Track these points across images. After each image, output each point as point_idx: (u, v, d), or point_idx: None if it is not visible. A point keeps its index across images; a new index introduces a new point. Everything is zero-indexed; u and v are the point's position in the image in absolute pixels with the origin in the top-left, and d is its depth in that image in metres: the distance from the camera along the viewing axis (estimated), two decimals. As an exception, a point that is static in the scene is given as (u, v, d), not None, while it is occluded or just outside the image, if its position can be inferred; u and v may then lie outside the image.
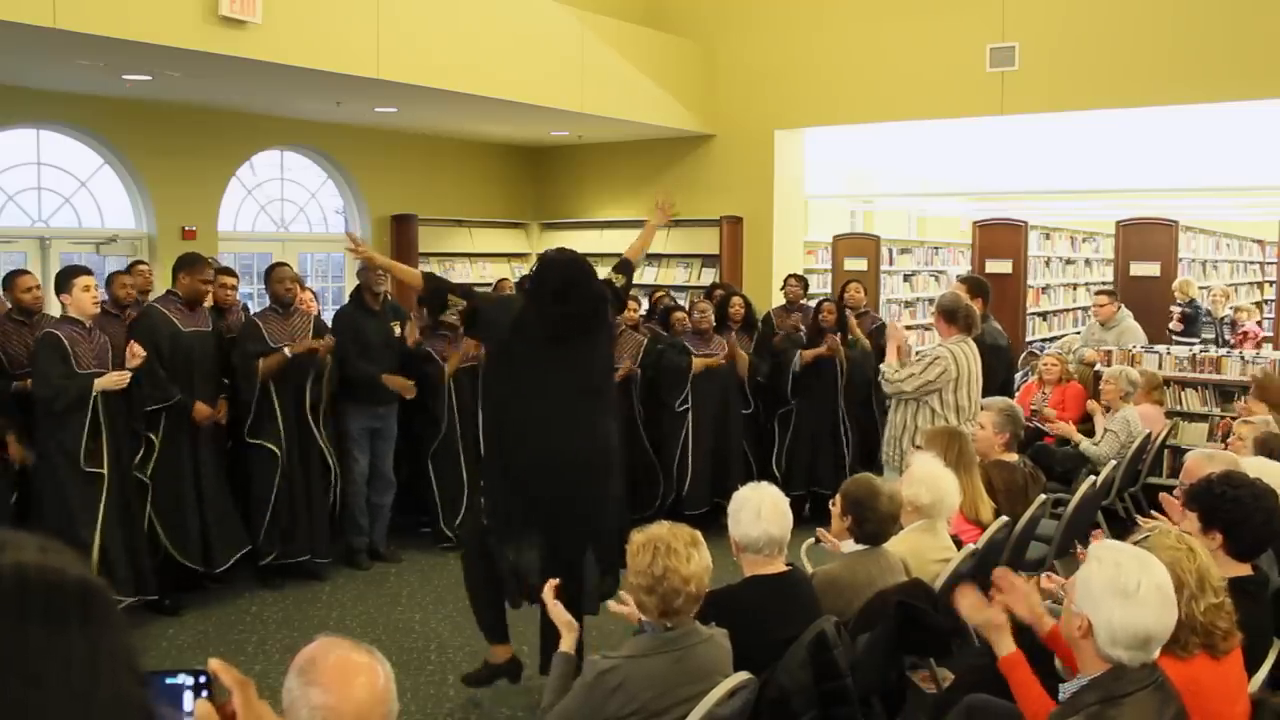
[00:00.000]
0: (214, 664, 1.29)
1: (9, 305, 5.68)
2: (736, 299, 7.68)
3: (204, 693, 1.25)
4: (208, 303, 5.94)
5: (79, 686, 0.88)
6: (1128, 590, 2.28)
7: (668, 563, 2.75)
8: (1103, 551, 2.39)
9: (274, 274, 6.09)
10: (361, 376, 6.23)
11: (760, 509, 3.25)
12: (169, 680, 1.25)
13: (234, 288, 6.35)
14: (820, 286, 10.75)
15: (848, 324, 7.55)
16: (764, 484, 3.39)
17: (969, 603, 2.97)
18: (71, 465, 5.09)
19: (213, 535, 5.73)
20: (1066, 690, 2.42)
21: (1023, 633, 2.94)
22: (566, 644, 3.06)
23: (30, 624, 0.87)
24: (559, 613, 3.12)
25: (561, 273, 4.29)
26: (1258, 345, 9.94)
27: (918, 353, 5.99)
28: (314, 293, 6.87)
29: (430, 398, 6.58)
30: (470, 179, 11.77)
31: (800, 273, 8.59)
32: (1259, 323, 12.75)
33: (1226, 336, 10.45)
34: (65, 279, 5.30)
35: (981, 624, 2.92)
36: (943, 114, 9.64)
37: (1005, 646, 2.82)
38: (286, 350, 5.84)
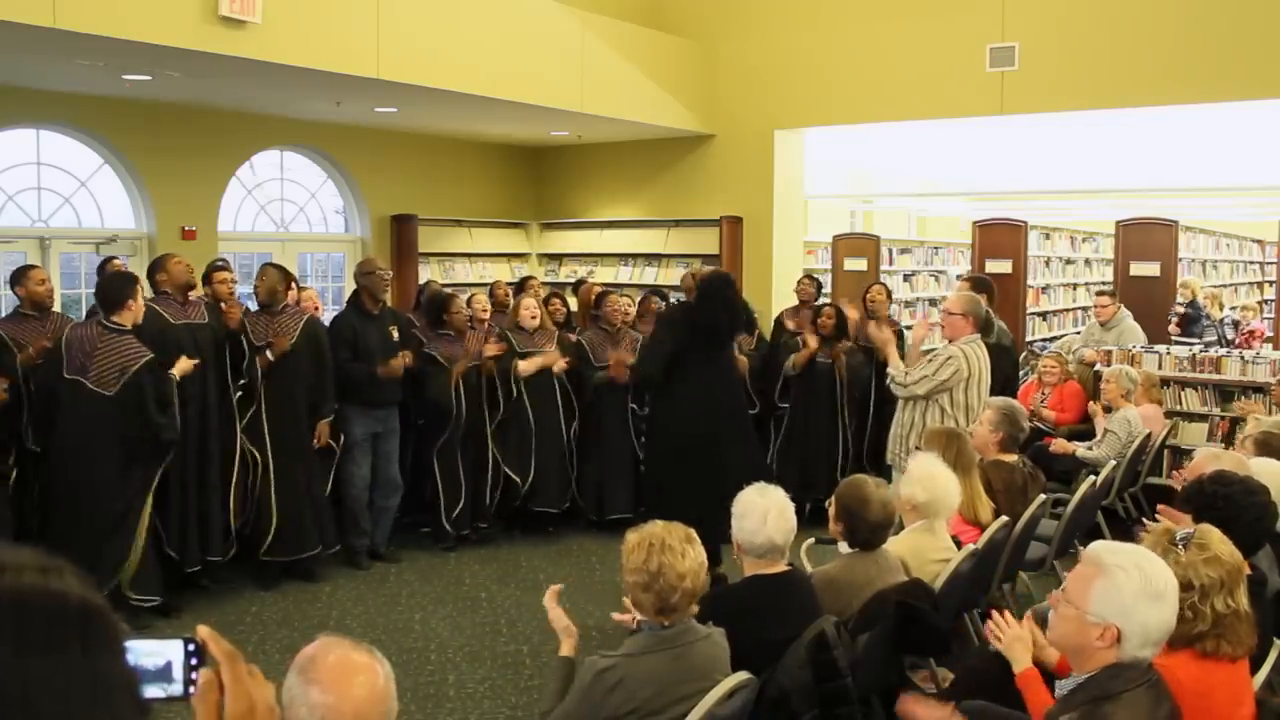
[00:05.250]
0: (203, 632, 1.27)
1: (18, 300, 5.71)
2: (735, 300, 7.69)
3: (193, 660, 1.24)
4: (195, 295, 5.88)
5: (77, 717, 0.86)
6: (1159, 593, 2.29)
7: (663, 559, 2.75)
8: (1118, 558, 2.35)
9: (260, 273, 6.19)
10: (357, 376, 6.23)
11: (766, 515, 3.24)
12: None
13: (229, 282, 6.31)
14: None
15: (855, 333, 7.51)
16: (770, 488, 3.38)
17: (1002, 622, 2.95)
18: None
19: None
20: (1063, 687, 2.42)
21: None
22: (566, 648, 3.05)
23: (30, 653, 0.84)
24: (558, 617, 3.09)
25: (723, 285, 5.94)
26: (1262, 343, 9.92)
27: (925, 352, 5.99)
28: (298, 285, 6.86)
29: (433, 396, 6.58)
30: (470, 179, 11.77)
31: (811, 273, 8.63)
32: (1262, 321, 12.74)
33: (1229, 336, 10.44)
34: (130, 285, 5.32)
35: (1008, 642, 2.88)
36: (943, 114, 9.64)
37: (1022, 663, 2.79)
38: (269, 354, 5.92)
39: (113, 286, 5.34)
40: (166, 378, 5.27)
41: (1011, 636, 2.86)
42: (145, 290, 5.64)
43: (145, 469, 5.27)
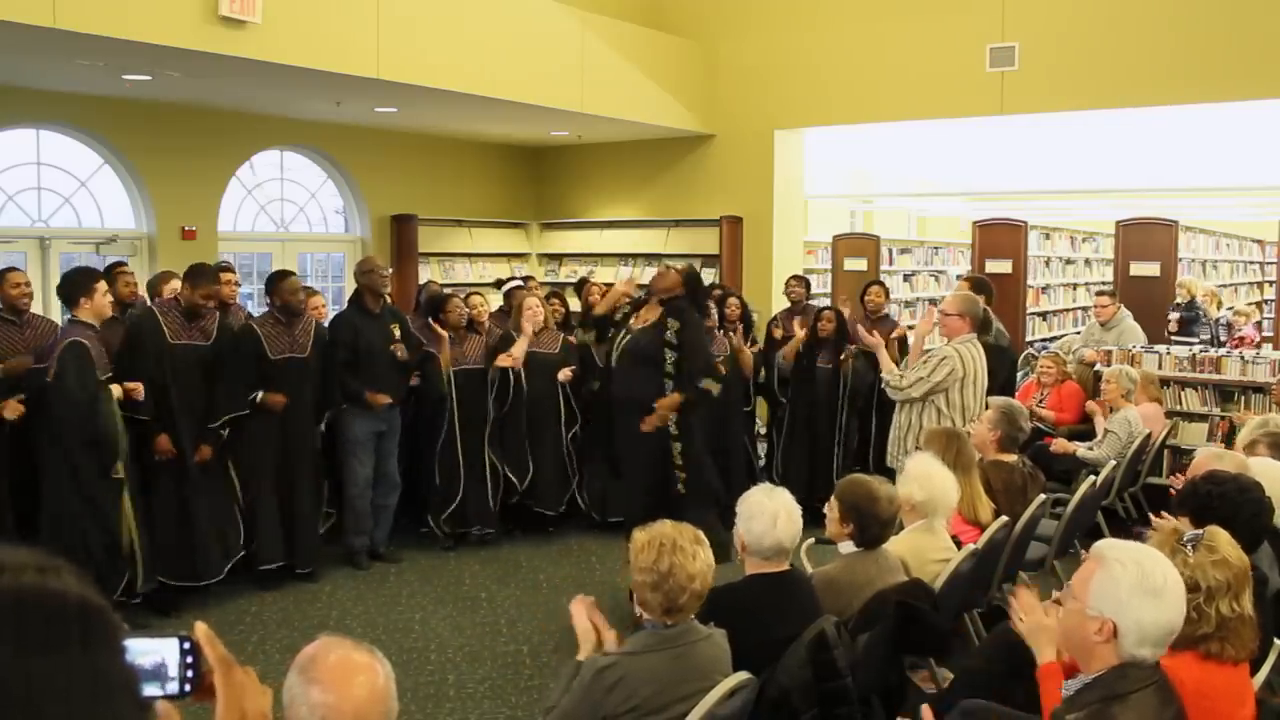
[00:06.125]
0: (200, 631, 1.26)
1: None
2: (733, 299, 7.72)
3: (189, 659, 1.24)
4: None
5: (78, 716, 0.85)
6: (1156, 589, 2.27)
7: (674, 559, 2.74)
8: (1117, 552, 2.35)
9: (283, 285, 6.05)
10: (349, 390, 6.22)
11: (776, 518, 3.23)
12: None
13: (236, 284, 6.34)
14: (820, 287, 10.74)
15: (852, 335, 7.54)
16: (778, 490, 3.37)
17: (1025, 603, 2.80)
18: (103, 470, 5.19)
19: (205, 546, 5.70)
20: (1069, 688, 2.42)
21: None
22: (583, 652, 3.03)
23: (30, 653, 0.84)
24: (581, 622, 3.07)
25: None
26: (1256, 348, 9.92)
27: (926, 352, 6.00)
28: (313, 291, 6.88)
29: (432, 388, 6.60)
30: (470, 179, 11.77)
31: (800, 273, 8.63)
32: (1258, 324, 12.71)
33: (1221, 337, 10.43)
34: (89, 281, 5.28)
35: (1030, 629, 2.74)
36: (943, 114, 9.64)
37: (1046, 656, 2.72)
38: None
39: (68, 283, 5.33)
40: (89, 364, 5.06)
41: (1033, 624, 2.74)
42: (150, 288, 5.62)
43: (85, 459, 5.12)
